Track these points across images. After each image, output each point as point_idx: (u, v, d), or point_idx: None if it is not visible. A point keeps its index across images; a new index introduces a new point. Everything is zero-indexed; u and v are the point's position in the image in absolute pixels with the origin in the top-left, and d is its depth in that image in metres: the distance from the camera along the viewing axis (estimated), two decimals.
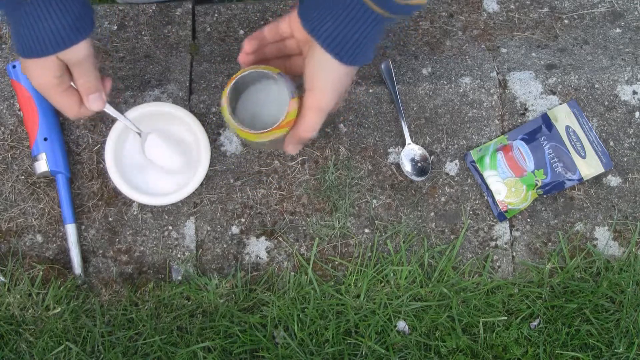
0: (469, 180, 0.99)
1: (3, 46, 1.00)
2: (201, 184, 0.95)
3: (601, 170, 0.98)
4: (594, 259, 0.99)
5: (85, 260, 0.95)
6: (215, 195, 0.97)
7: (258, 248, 0.97)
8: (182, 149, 0.88)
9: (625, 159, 1.00)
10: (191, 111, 0.96)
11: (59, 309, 0.92)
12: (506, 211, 0.97)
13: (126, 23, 1.03)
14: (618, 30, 1.06)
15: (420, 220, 0.98)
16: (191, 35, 1.03)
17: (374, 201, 0.98)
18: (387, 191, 0.98)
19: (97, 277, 0.95)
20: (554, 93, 0.99)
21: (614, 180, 1.00)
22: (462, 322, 0.96)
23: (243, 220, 0.97)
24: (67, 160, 0.94)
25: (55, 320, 0.92)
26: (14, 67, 0.93)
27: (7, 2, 0.66)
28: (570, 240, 0.99)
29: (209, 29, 1.04)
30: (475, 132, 0.99)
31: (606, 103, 1.00)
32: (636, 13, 1.07)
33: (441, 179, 0.98)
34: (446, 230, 0.98)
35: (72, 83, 0.74)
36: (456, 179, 0.99)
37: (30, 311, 0.93)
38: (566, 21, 1.06)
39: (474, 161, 0.98)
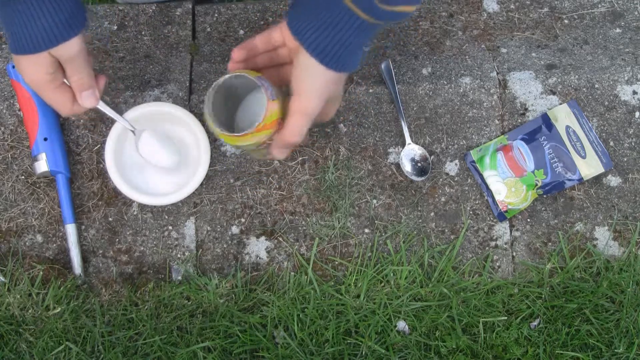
0: (469, 180, 0.99)
1: (3, 46, 1.00)
2: (201, 184, 0.95)
3: (601, 170, 0.98)
4: (594, 259, 0.99)
5: (85, 260, 0.95)
6: (215, 195, 0.97)
7: (258, 248, 0.97)
8: (176, 147, 0.87)
9: (625, 159, 1.00)
10: (191, 111, 0.96)
11: (59, 309, 0.92)
12: (506, 211, 0.97)
13: (126, 23, 1.03)
14: (618, 30, 1.06)
15: (420, 220, 0.98)
16: (191, 35, 1.03)
17: (374, 201, 0.98)
18: (387, 191, 0.98)
19: (97, 277, 0.95)
20: (554, 93, 0.99)
21: (614, 180, 1.00)
22: (462, 322, 0.96)
23: (243, 220, 0.97)
24: (67, 160, 0.94)
25: (55, 320, 0.92)
26: (14, 67, 0.93)
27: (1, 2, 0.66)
28: (570, 240, 0.99)
29: (209, 29, 1.04)
30: (475, 132, 0.99)
31: (606, 103, 1.00)
32: (636, 13, 1.07)
33: (441, 179, 0.98)
34: (446, 230, 0.98)
35: (65, 80, 0.74)
36: (456, 179, 0.99)
37: (30, 311, 0.93)
38: (566, 21, 1.06)
39: (474, 161, 0.98)
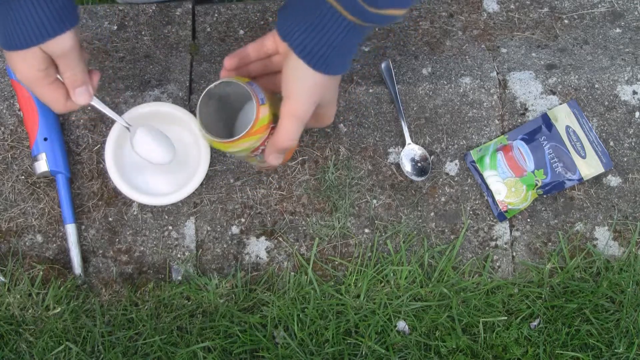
0: (469, 180, 0.99)
1: None
2: (201, 184, 0.95)
3: (601, 170, 0.98)
4: (594, 259, 0.99)
5: (85, 260, 0.95)
6: (215, 195, 0.97)
7: (258, 248, 0.97)
8: (171, 144, 0.86)
9: (625, 159, 1.00)
10: (191, 111, 0.96)
11: (59, 309, 0.92)
12: (506, 211, 0.97)
13: (126, 23, 1.03)
14: (618, 30, 1.06)
15: (420, 220, 0.98)
16: (191, 35, 1.03)
17: (374, 201, 0.98)
18: (387, 191, 0.98)
19: (97, 277, 0.95)
20: (554, 93, 0.99)
21: (614, 180, 1.00)
22: (462, 322, 0.96)
23: (243, 220, 0.97)
24: (67, 160, 0.94)
25: (55, 320, 0.92)
26: None
27: None
28: (570, 240, 0.99)
29: (209, 29, 1.04)
30: (475, 132, 0.99)
31: (606, 103, 1.00)
32: (636, 13, 1.07)
33: (441, 179, 0.98)
34: (446, 230, 0.98)
35: (59, 77, 0.73)
36: (456, 179, 0.99)
37: (30, 311, 0.93)
38: (566, 21, 1.06)
39: (474, 161, 0.98)
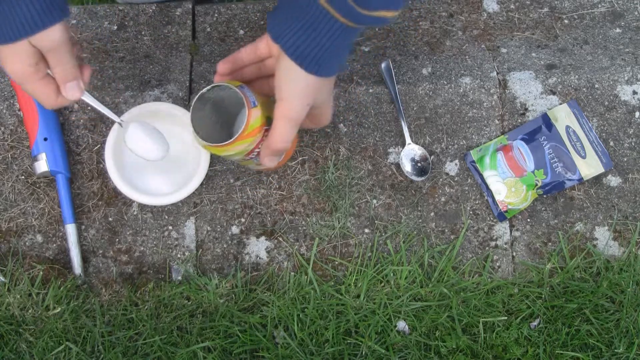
0: (469, 180, 0.99)
1: None
2: (201, 184, 0.95)
3: (601, 170, 0.98)
4: (594, 259, 0.99)
5: (85, 260, 0.95)
6: (215, 195, 0.97)
7: (258, 248, 0.97)
8: (164, 140, 0.84)
9: (625, 159, 1.00)
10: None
11: (59, 309, 0.92)
12: (506, 211, 0.97)
13: (126, 23, 1.03)
14: (618, 30, 1.06)
15: (420, 220, 0.98)
16: (191, 35, 1.03)
17: (374, 201, 0.98)
18: (387, 191, 0.98)
19: (97, 277, 0.95)
20: (554, 93, 0.99)
21: (614, 180, 1.00)
22: (462, 322, 0.96)
23: (243, 220, 0.97)
24: (67, 160, 0.94)
25: (55, 320, 0.92)
26: None
27: None
28: (570, 240, 0.99)
29: (209, 29, 1.04)
30: (475, 132, 0.99)
31: (606, 103, 1.00)
32: (636, 13, 1.07)
33: (441, 179, 0.98)
34: (446, 230, 0.98)
35: (49, 72, 0.72)
36: (456, 179, 0.99)
37: (30, 311, 0.93)
38: (566, 21, 1.06)
39: (474, 161, 0.98)
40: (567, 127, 0.98)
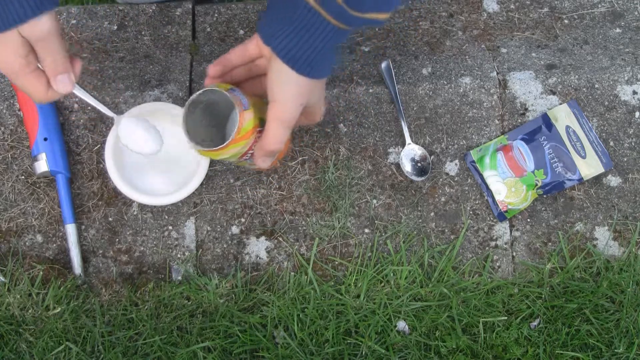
0: (469, 180, 0.99)
1: None
2: (201, 184, 0.95)
3: (601, 170, 0.98)
4: (594, 259, 0.99)
5: (85, 260, 0.95)
6: (215, 195, 0.97)
7: (258, 248, 0.97)
8: (158, 134, 0.83)
9: (625, 159, 1.00)
10: None
11: (59, 309, 0.92)
12: (506, 211, 0.97)
13: (126, 23, 1.03)
14: (618, 30, 1.06)
15: (420, 220, 0.98)
16: (191, 35, 1.03)
17: (374, 201, 0.98)
18: (387, 191, 0.98)
19: (97, 277, 0.95)
20: (554, 93, 0.99)
21: (614, 180, 1.00)
22: (462, 322, 0.96)
23: (243, 220, 0.97)
24: (67, 160, 0.94)
25: (55, 320, 0.92)
26: None
27: None
28: (570, 240, 0.99)
29: (209, 29, 1.04)
30: (475, 132, 0.99)
31: (606, 103, 1.00)
32: (636, 13, 1.07)
33: (441, 179, 0.98)
34: (446, 230, 0.98)
35: (39, 65, 0.70)
36: (456, 179, 0.99)
37: (30, 311, 0.93)
38: (566, 21, 1.06)
39: (474, 161, 0.98)
40: (567, 127, 0.98)
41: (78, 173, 0.96)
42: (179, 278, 0.96)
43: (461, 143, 0.99)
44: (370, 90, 0.98)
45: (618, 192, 1.00)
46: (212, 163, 0.96)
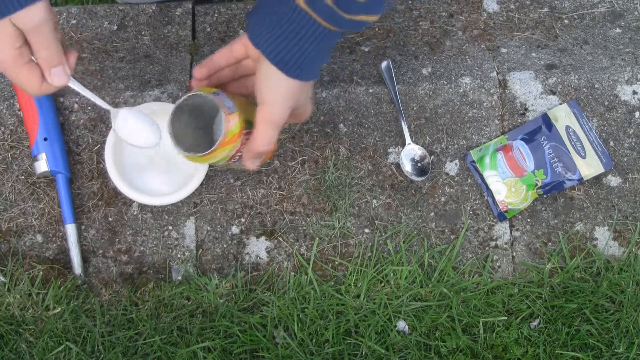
0: (469, 180, 0.99)
1: None
2: (201, 184, 0.95)
3: (601, 170, 0.98)
4: (594, 259, 0.99)
5: (85, 260, 0.95)
6: (215, 195, 0.97)
7: (258, 248, 0.97)
8: (156, 126, 0.81)
9: (625, 159, 1.00)
10: None
11: (59, 309, 0.92)
12: (506, 211, 0.97)
13: (126, 23, 1.03)
14: (618, 30, 1.06)
15: (420, 220, 0.98)
16: (191, 35, 1.03)
17: (374, 201, 0.98)
18: (387, 191, 0.98)
19: (97, 277, 0.95)
20: (554, 93, 0.99)
21: (614, 180, 1.00)
22: (462, 322, 0.96)
23: (243, 220, 0.97)
24: (67, 160, 0.94)
25: (55, 320, 0.92)
26: None
27: None
28: (570, 240, 0.99)
29: (209, 29, 1.04)
30: (475, 132, 0.99)
31: (606, 103, 1.00)
32: (636, 13, 1.07)
33: (441, 179, 0.98)
34: (446, 230, 0.98)
35: (32, 58, 0.68)
36: (456, 179, 0.99)
37: (30, 311, 0.93)
38: (566, 21, 1.06)
39: (474, 161, 0.98)
40: (567, 127, 0.98)
41: (78, 173, 0.96)
42: (179, 278, 0.96)
43: (461, 143, 0.99)
44: (370, 90, 0.98)
45: (618, 192, 1.00)
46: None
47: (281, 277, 0.96)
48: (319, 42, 0.65)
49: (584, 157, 0.97)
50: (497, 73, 1.00)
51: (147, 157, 0.93)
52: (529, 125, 0.98)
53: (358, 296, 0.95)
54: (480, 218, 0.98)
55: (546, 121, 0.98)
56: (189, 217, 0.96)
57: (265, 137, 0.71)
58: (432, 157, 0.98)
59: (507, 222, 0.99)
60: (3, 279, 0.93)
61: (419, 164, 0.97)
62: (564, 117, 0.98)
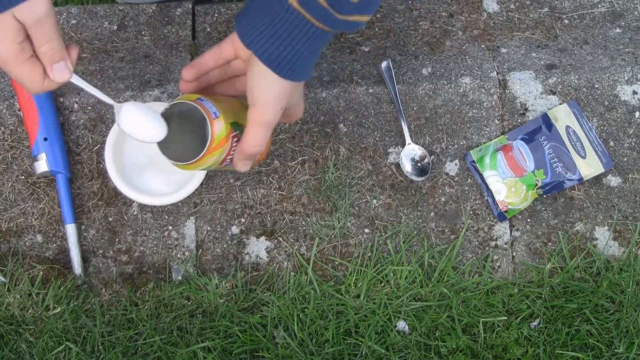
0: (469, 180, 0.99)
1: None
2: (201, 184, 0.95)
3: (601, 170, 0.98)
4: (594, 259, 0.99)
5: (85, 260, 0.95)
6: (215, 195, 0.97)
7: (258, 248, 0.97)
8: (161, 120, 0.80)
9: (625, 159, 1.00)
10: None
11: (59, 309, 0.92)
12: (506, 211, 0.97)
13: (126, 23, 1.03)
14: (618, 30, 1.06)
15: (420, 220, 0.98)
16: (191, 35, 1.03)
17: (374, 201, 0.98)
18: (387, 191, 0.98)
19: (97, 277, 0.95)
20: (554, 93, 0.99)
21: (614, 180, 1.00)
22: (462, 322, 0.96)
23: (243, 220, 0.97)
24: (67, 160, 0.94)
25: (55, 320, 0.92)
26: None
27: None
28: (570, 240, 0.99)
29: (209, 29, 1.04)
30: (475, 132, 0.99)
31: (606, 103, 1.00)
32: (636, 13, 1.07)
33: (441, 179, 0.98)
34: (446, 230, 0.98)
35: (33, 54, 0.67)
36: (456, 179, 0.99)
37: (30, 311, 0.93)
38: (566, 21, 1.06)
39: (474, 161, 0.98)
40: (567, 127, 0.98)
41: (78, 173, 0.96)
42: (179, 278, 0.96)
43: (461, 143, 0.99)
44: (370, 90, 0.98)
45: (618, 192, 1.00)
46: None
47: (281, 277, 0.96)
48: (312, 42, 0.65)
49: (584, 157, 0.97)
50: (497, 73, 1.00)
51: (147, 157, 0.93)
52: (529, 125, 0.98)
53: (358, 296, 0.95)
54: (480, 218, 0.98)
55: (546, 121, 0.98)
56: (189, 217, 0.96)
57: (257, 138, 0.70)
58: (432, 157, 0.98)
59: (507, 222, 0.99)
60: (3, 279, 0.93)
61: (419, 164, 0.97)
62: (564, 117, 0.98)
